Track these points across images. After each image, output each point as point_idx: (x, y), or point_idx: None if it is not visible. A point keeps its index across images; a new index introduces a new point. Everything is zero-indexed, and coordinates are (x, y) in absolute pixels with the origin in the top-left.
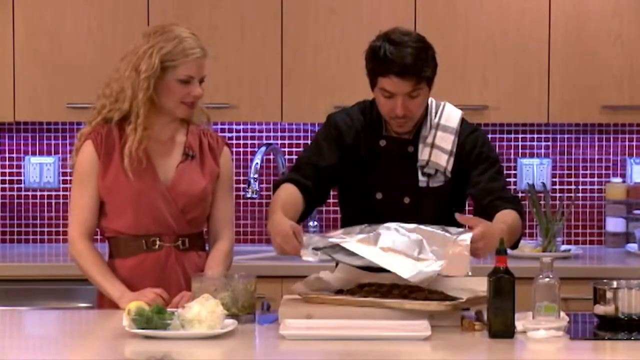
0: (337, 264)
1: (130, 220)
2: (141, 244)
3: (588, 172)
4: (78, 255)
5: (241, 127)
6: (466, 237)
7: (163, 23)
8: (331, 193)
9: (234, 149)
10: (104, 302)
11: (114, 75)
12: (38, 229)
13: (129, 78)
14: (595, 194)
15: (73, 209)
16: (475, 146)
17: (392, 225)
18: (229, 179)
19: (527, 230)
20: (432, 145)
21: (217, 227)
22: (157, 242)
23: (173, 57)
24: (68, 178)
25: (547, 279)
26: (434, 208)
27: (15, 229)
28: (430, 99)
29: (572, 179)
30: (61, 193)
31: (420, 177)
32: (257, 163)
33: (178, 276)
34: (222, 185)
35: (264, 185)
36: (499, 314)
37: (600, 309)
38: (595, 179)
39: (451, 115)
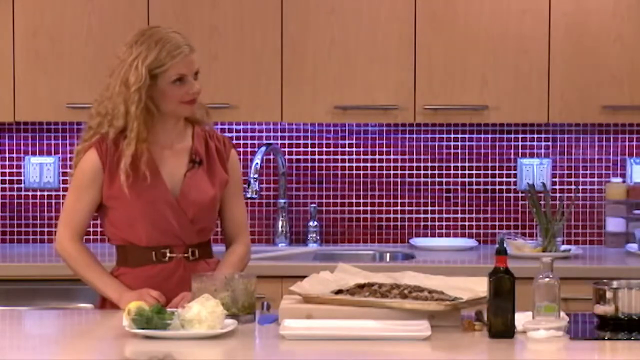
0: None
1: (139, 232)
2: (151, 256)
3: (588, 172)
4: (69, 257)
5: (241, 127)
6: None
7: (144, 28)
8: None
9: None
10: (105, 303)
11: (105, 94)
12: (38, 229)
13: (120, 94)
14: (595, 194)
15: (67, 211)
16: None
17: None
18: (239, 182)
19: (527, 230)
20: None
21: (233, 232)
22: (168, 254)
23: (160, 63)
24: (68, 178)
25: (547, 279)
26: None
27: (15, 229)
28: None
29: (572, 179)
30: (61, 193)
31: None
32: (257, 163)
33: (186, 287)
34: (233, 189)
35: (264, 185)
36: (499, 314)
37: (600, 309)
38: (595, 179)
39: None
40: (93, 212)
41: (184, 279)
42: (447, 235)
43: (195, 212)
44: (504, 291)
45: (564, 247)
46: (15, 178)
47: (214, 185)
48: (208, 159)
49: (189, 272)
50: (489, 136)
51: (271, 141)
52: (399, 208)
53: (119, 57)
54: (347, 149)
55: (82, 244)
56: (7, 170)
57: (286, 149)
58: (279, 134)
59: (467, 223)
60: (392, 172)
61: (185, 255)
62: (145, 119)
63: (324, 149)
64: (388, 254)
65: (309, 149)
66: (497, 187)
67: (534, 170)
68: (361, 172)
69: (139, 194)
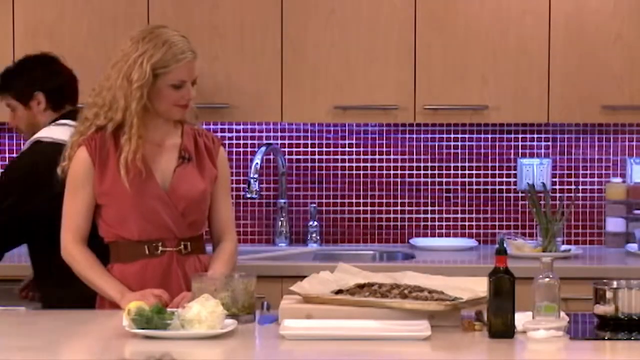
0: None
1: (131, 226)
2: (143, 249)
3: (588, 172)
4: (73, 260)
5: (241, 127)
6: None
7: (151, 26)
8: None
9: (234, 149)
10: (104, 303)
11: (104, 84)
12: None
13: (121, 87)
14: (595, 194)
15: (67, 215)
16: None
17: None
18: (227, 180)
19: (527, 230)
20: None
21: (220, 229)
22: (160, 248)
23: (164, 64)
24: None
25: (547, 279)
26: None
27: None
28: None
29: (572, 179)
30: None
31: None
32: (257, 163)
33: (179, 281)
34: (221, 187)
35: (264, 185)
36: (499, 314)
37: (600, 309)
38: (595, 179)
39: None
40: (92, 211)
41: (177, 275)
42: (447, 235)
43: (185, 206)
44: (504, 291)
45: (564, 247)
46: None
47: (204, 179)
48: (197, 155)
49: (181, 266)
50: (489, 136)
51: (271, 141)
52: (399, 208)
53: (122, 50)
54: (347, 149)
55: (84, 247)
56: None
57: (286, 149)
58: (279, 134)
59: (467, 223)
60: (392, 172)
61: (178, 248)
62: (143, 115)
63: (324, 149)
64: (388, 254)
65: (309, 149)
66: (497, 187)
67: (534, 170)
68: (361, 172)
69: (131, 189)
